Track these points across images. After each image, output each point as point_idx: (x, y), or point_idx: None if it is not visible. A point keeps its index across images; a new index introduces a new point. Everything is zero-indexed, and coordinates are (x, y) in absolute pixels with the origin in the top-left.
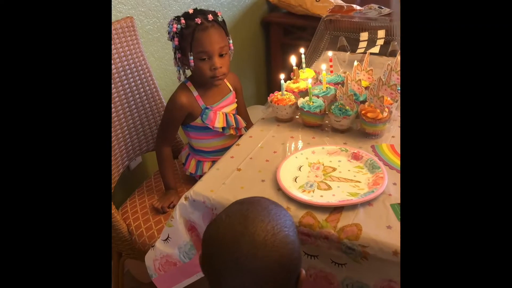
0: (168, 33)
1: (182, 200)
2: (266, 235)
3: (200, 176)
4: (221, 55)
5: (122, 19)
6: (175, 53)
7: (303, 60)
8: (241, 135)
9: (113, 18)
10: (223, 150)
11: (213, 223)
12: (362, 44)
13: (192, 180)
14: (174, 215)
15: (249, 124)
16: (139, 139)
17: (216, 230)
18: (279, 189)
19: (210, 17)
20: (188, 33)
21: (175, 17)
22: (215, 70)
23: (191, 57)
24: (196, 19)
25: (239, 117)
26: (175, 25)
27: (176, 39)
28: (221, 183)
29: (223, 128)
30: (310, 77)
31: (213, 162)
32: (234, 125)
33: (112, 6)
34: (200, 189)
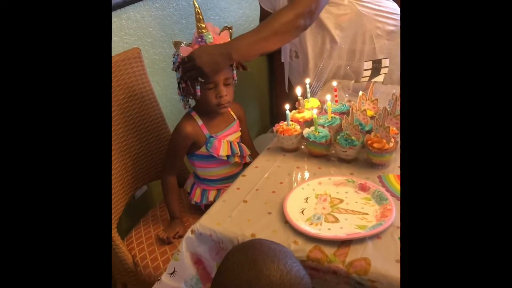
0: (173, 64)
1: (189, 233)
2: (281, 274)
3: (206, 205)
4: (226, 84)
5: (129, 50)
6: (179, 83)
7: (308, 89)
8: (246, 163)
9: (120, 49)
10: (229, 178)
11: (221, 273)
12: (366, 73)
13: (198, 209)
14: (180, 248)
15: (253, 152)
16: (145, 168)
17: (227, 280)
18: (286, 221)
19: None
20: None
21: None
22: (221, 98)
23: (198, 87)
24: None
25: (243, 145)
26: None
27: (181, 69)
28: (227, 215)
29: (227, 156)
30: (315, 107)
31: (218, 190)
32: (239, 153)
33: (119, 37)
34: (207, 222)
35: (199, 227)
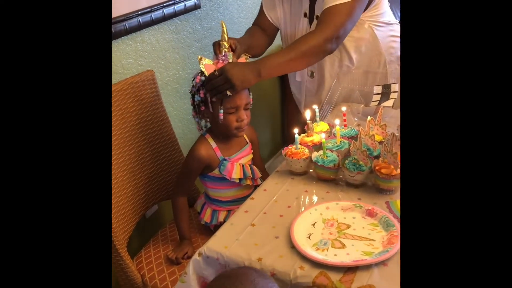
0: (193, 86)
1: (196, 256)
2: None
3: (215, 226)
4: (245, 109)
5: (143, 72)
6: (197, 105)
7: (317, 113)
8: (257, 185)
9: (135, 71)
10: (239, 200)
11: None
12: (376, 97)
13: (207, 229)
14: (187, 270)
15: (264, 174)
16: (156, 188)
17: None
18: (292, 246)
19: None
20: None
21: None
22: (242, 121)
23: (221, 111)
24: None
25: (255, 168)
26: (199, 77)
27: (201, 91)
28: (235, 239)
29: (240, 179)
30: (324, 131)
31: (229, 211)
32: (251, 176)
33: (134, 59)
34: (214, 245)
35: (206, 250)
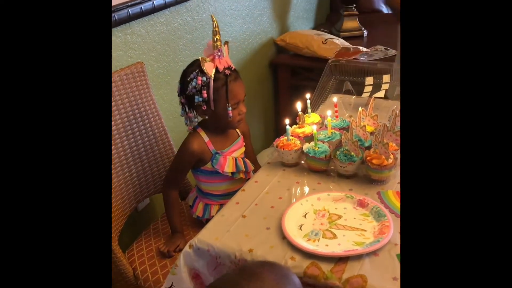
0: (194, 88)
1: (187, 248)
2: None
3: (207, 220)
4: (243, 101)
5: (133, 65)
6: (197, 106)
7: (309, 105)
8: (249, 179)
9: (124, 64)
10: (232, 193)
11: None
12: (368, 89)
13: (199, 223)
14: (178, 263)
15: (257, 167)
16: (148, 181)
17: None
18: (284, 237)
19: (233, 67)
20: (221, 85)
21: (197, 71)
22: (243, 114)
23: (230, 108)
24: (225, 71)
25: (248, 161)
26: (200, 78)
27: (204, 92)
28: (225, 230)
29: (232, 173)
30: (315, 122)
31: (221, 205)
32: (244, 169)
33: (123, 51)
34: (205, 236)
35: (197, 242)
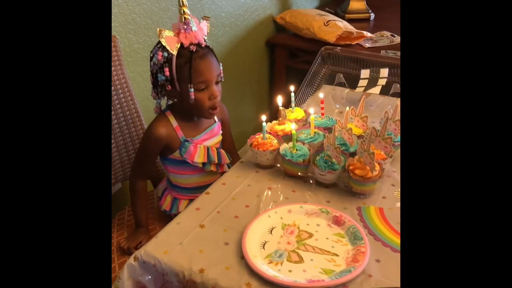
0: (154, 64)
1: (131, 260)
2: None
3: (175, 215)
4: (216, 83)
5: None
6: (162, 85)
7: (293, 98)
8: (223, 172)
9: None
10: (202, 188)
11: None
12: (363, 83)
13: (167, 217)
14: (121, 276)
15: (235, 159)
16: (117, 166)
17: None
18: (242, 257)
19: (204, 43)
20: (184, 63)
21: (159, 44)
22: (215, 99)
23: (192, 89)
24: (191, 47)
25: (223, 152)
26: (160, 53)
27: (166, 69)
28: (178, 242)
29: (203, 164)
30: (299, 118)
31: (190, 200)
32: (216, 161)
33: None
34: (153, 249)
35: (143, 255)
